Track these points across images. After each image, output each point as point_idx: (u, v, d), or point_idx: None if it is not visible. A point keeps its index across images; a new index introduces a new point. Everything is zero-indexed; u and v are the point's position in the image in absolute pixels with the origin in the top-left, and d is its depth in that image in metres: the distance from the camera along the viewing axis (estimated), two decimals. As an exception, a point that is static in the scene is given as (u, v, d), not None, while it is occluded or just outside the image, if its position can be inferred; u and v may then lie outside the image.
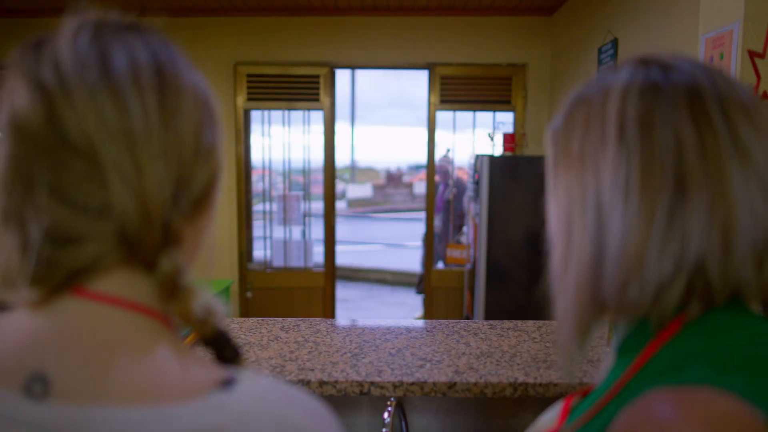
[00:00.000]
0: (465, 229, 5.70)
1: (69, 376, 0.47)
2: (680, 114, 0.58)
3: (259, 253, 5.49)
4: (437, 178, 6.27)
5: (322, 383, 1.27)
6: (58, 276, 0.49)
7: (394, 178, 23.19)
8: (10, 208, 0.49)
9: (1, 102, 0.51)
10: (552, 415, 0.72)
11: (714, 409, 0.47)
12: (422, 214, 5.10)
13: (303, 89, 5.11)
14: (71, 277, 0.50)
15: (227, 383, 0.48)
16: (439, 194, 6.36)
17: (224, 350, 0.55)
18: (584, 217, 0.62)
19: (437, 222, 6.20)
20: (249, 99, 5.10)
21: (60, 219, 0.48)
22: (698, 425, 0.46)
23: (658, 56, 0.64)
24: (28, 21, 4.85)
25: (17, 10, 4.76)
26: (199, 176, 0.55)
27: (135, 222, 0.49)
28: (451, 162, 6.34)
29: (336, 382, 1.29)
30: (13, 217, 0.49)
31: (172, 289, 0.52)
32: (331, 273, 5.34)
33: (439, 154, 6.34)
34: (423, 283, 5.68)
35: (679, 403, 0.49)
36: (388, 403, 1.31)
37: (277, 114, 5.25)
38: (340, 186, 9.37)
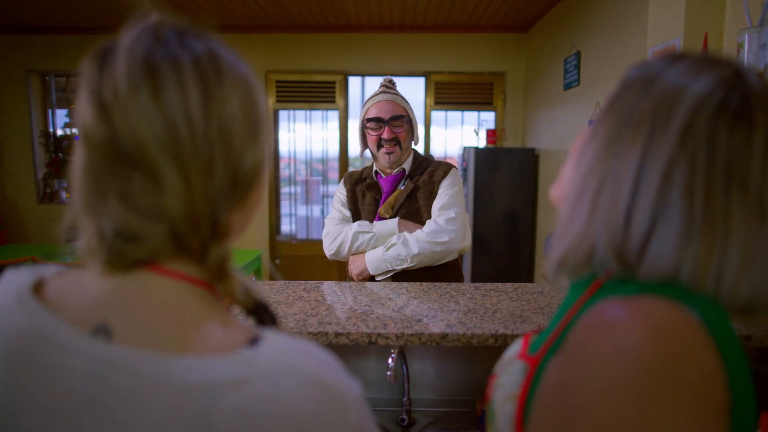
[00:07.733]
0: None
1: (128, 329, 0.47)
2: (739, 144, 0.51)
3: (285, 227, 5.48)
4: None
5: (337, 334, 1.27)
6: (124, 262, 0.48)
7: (396, 166, 22.70)
8: (89, 203, 0.48)
9: (76, 111, 0.49)
10: (516, 348, 0.71)
11: (657, 308, 0.48)
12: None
13: (322, 93, 5.07)
14: (135, 264, 0.49)
15: (254, 341, 0.48)
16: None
17: (263, 317, 0.54)
18: (618, 186, 0.54)
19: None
20: (277, 101, 5.06)
21: (126, 221, 0.47)
22: (644, 320, 0.47)
23: (745, 79, 0.53)
24: (91, 37, 4.80)
25: (73, 27, 4.71)
26: (246, 168, 0.52)
27: (185, 227, 0.48)
28: None
29: (349, 333, 1.28)
30: (91, 210, 0.48)
31: (219, 274, 0.52)
32: (345, 244, 5.33)
33: (435, 149, 5.17)
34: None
35: (628, 306, 0.49)
36: (392, 351, 1.31)
37: (300, 113, 5.21)
38: (352, 173, 9.18)
